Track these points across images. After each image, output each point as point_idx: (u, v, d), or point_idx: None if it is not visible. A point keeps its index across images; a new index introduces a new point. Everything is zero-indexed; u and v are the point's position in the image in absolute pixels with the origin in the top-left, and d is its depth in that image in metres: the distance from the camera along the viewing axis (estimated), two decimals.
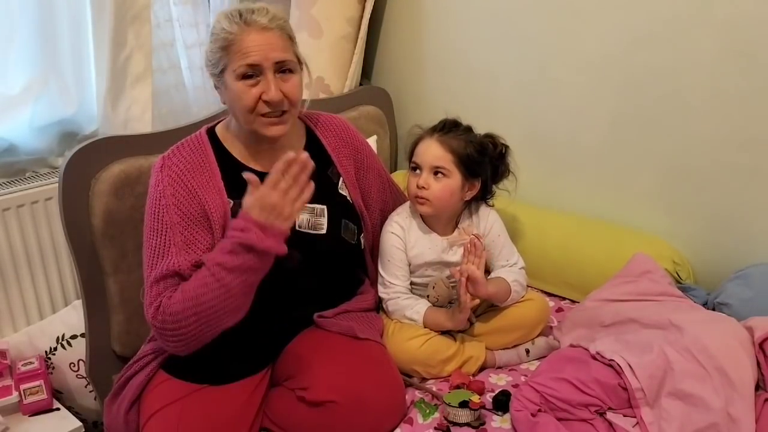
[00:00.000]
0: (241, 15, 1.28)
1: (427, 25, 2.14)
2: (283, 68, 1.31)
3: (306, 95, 1.43)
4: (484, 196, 1.56)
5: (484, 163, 1.50)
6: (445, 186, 1.47)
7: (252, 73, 1.28)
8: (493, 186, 1.57)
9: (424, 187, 1.46)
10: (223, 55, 1.29)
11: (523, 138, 1.92)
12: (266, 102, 1.29)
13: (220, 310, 1.22)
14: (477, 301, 1.44)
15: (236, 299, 1.23)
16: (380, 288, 1.55)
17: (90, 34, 1.73)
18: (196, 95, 2.04)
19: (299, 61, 1.36)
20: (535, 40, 1.88)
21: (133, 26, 1.75)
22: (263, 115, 1.31)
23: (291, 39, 1.34)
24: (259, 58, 1.27)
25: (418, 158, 1.49)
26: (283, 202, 1.19)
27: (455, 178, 1.47)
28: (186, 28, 1.98)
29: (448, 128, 1.49)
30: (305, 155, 1.19)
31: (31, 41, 1.68)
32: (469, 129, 1.51)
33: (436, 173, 1.47)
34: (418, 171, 1.49)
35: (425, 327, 1.48)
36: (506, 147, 1.55)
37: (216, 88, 1.36)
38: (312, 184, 1.21)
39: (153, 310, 1.26)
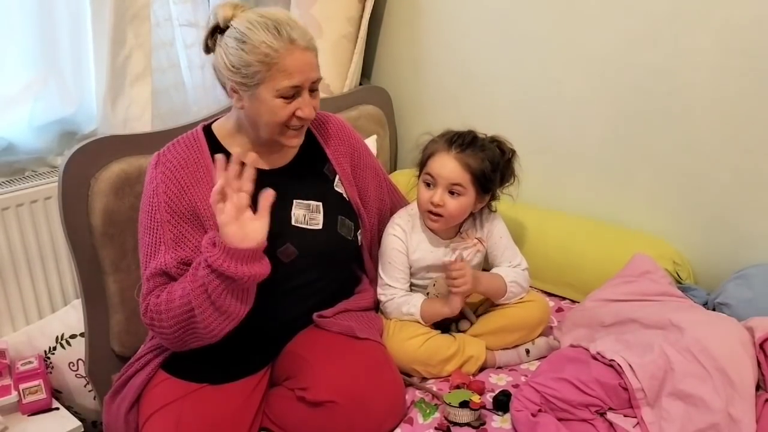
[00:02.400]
0: (279, 30, 1.25)
1: (427, 25, 2.13)
2: (313, 87, 1.32)
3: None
4: (488, 201, 1.55)
5: (496, 178, 1.49)
6: (460, 204, 1.46)
7: (293, 93, 1.29)
8: (498, 191, 1.55)
9: (439, 205, 1.45)
10: (263, 70, 1.25)
11: (523, 138, 1.90)
12: (299, 118, 1.31)
13: (204, 324, 1.24)
14: (468, 286, 1.44)
15: (219, 315, 1.24)
16: (379, 290, 1.55)
17: (89, 34, 1.73)
18: (195, 94, 2.04)
19: None
20: (534, 41, 1.88)
21: (133, 25, 1.75)
22: (290, 128, 1.34)
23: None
24: (302, 78, 1.28)
25: (434, 173, 1.46)
26: (232, 213, 1.18)
27: (470, 196, 1.46)
28: (185, 27, 1.98)
29: (466, 144, 1.45)
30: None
31: (30, 40, 1.68)
32: (484, 143, 1.48)
33: (451, 191, 1.46)
34: (431, 185, 1.48)
35: (423, 319, 1.48)
36: (513, 152, 1.53)
37: (234, 92, 1.31)
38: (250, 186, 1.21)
39: (143, 308, 1.30)
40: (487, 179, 1.46)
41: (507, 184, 1.55)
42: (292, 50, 1.26)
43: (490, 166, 1.46)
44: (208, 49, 1.34)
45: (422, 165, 1.51)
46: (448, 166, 1.44)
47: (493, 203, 1.57)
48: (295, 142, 1.38)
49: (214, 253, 1.18)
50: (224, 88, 1.35)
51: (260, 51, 1.25)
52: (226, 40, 1.28)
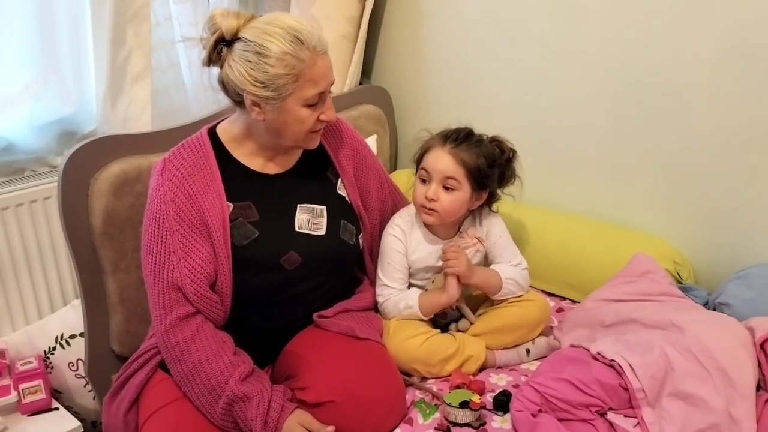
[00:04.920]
0: (301, 40, 1.24)
1: (427, 24, 2.13)
2: (330, 88, 1.33)
3: None
4: (488, 201, 1.55)
5: (493, 174, 1.49)
6: (455, 199, 1.46)
7: (318, 100, 1.30)
8: (499, 191, 1.55)
9: (433, 199, 1.45)
10: (291, 81, 1.25)
11: (523, 138, 1.90)
12: (324, 121, 1.33)
13: (196, 394, 1.29)
14: (462, 268, 1.45)
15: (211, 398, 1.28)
16: (377, 290, 1.55)
17: (89, 33, 1.73)
18: (195, 94, 2.03)
19: None
20: (535, 40, 1.88)
21: (133, 25, 1.75)
22: (314, 131, 1.35)
23: None
24: (326, 84, 1.30)
25: (428, 167, 1.46)
26: None
27: (465, 191, 1.46)
28: (186, 27, 1.97)
29: (461, 139, 1.45)
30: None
31: (30, 40, 1.68)
32: (480, 139, 1.48)
33: (446, 186, 1.45)
34: (426, 181, 1.47)
35: (421, 311, 1.47)
36: (513, 152, 1.53)
37: (255, 106, 1.28)
38: None
39: (167, 326, 1.29)
40: (483, 175, 1.46)
41: (508, 184, 1.55)
42: (315, 58, 1.26)
43: (486, 162, 1.45)
44: (211, 62, 1.29)
45: (418, 161, 1.51)
46: (441, 160, 1.44)
47: (494, 203, 1.57)
48: (316, 144, 1.39)
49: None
50: (234, 101, 1.32)
51: (286, 63, 1.23)
52: (241, 54, 1.24)
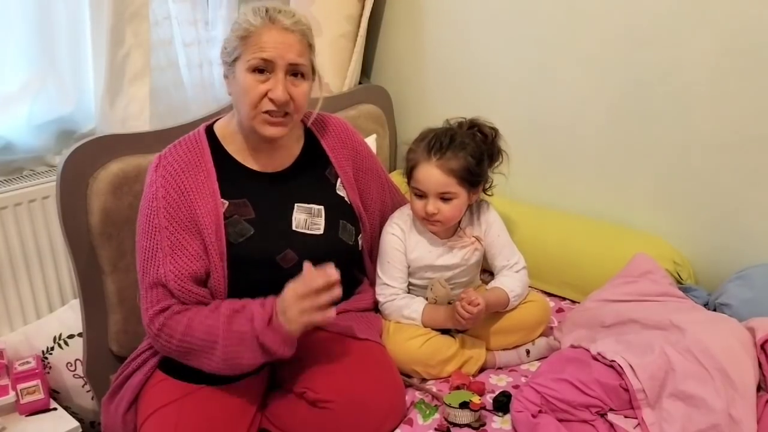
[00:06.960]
0: (267, 11, 1.29)
1: (427, 23, 2.13)
2: (295, 71, 1.30)
3: (318, 94, 1.43)
4: (483, 189, 1.54)
5: (483, 168, 1.48)
6: (454, 206, 1.46)
7: (264, 67, 1.28)
8: (489, 173, 1.54)
9: (434, 213, 1.45)
10: (240, 44, 1.28)
11: (523, 137, 1.92)
12: (271, 100, 1.29)
13: (208, 360, 1.26)
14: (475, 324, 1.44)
15: (224, 357, 1.25)
16: (377, 290, 1.54)
17: (88, 32, 1.72)
18: (194, 93, 2.03)
19: (313, 69, 1.35)
20: (535, 39, 1.87)
21: (132, 24, 1.74)
22: (265, 113, 1.30)
23: (310, 46, 1.34)
24: (274, 54, 1.27)
25: (421, 185, 1.45)
26: (299, 316, 1.20)
27: (462, 196, 1.46)
28: (184, 26, 1.97)
29: (445, 148, 1.44)
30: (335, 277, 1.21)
31: (29, 39, 1.67)
32: (463, 141, 1.46)
33: (443, 198, 1.45)
34: (422, 197, 1.47)
35: (424, 325, 1.47)
36: (495, 130, 1.53)
37: (225, 77, 1.36)
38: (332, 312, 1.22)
39: (149, 318, 1.29)
40: (473, 174, 1.46)
41: (496, 162, 1.55)
42: (269, 27, 1.28)
43: (474, 160, 1.45)
44: None
45: (408, 176, 1.50)
46: (432, 176, 1.44)
47: (489, 189, 1.55)
48: (272, 132, 1.32)
49: (268, 334, 1.21)
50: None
51: (240, 27, 1.29)
52: None
